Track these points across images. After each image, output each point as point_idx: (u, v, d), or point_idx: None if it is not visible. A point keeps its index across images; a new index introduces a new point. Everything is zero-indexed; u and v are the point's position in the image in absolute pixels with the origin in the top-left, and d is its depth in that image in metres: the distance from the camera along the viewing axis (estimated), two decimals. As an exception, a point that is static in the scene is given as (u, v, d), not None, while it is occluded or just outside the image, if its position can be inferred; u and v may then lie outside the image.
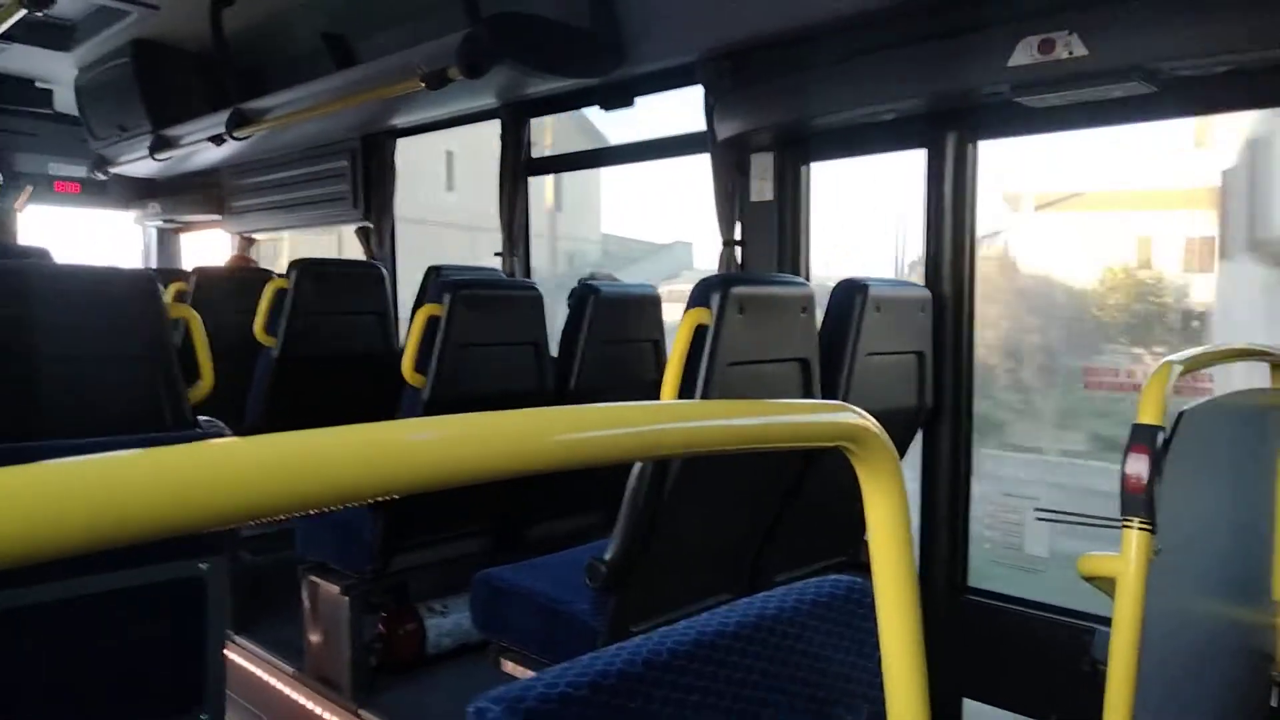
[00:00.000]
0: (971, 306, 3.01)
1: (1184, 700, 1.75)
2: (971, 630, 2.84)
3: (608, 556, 2.20)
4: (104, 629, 1.94)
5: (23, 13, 3.76)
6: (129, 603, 1.97)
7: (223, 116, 4.83)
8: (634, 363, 3.41)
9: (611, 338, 3.31)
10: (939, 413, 2.94)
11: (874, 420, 0.82)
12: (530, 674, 0.78)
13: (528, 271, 4.58)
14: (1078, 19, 2.37)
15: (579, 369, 3.23)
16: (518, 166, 4.46)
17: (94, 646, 1.93)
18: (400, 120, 4.82)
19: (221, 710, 2.14)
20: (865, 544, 2.72)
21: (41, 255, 3.35)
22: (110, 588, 1.93)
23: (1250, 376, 2.12)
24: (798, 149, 3.39)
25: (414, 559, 3.03)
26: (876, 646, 0.90)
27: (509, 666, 2.42)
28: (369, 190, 5.16)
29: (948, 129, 2.95)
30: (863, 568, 1.11)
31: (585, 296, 3.27)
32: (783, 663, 0.95)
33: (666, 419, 0.69)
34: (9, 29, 4.10)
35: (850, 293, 2.60)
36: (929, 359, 2.84)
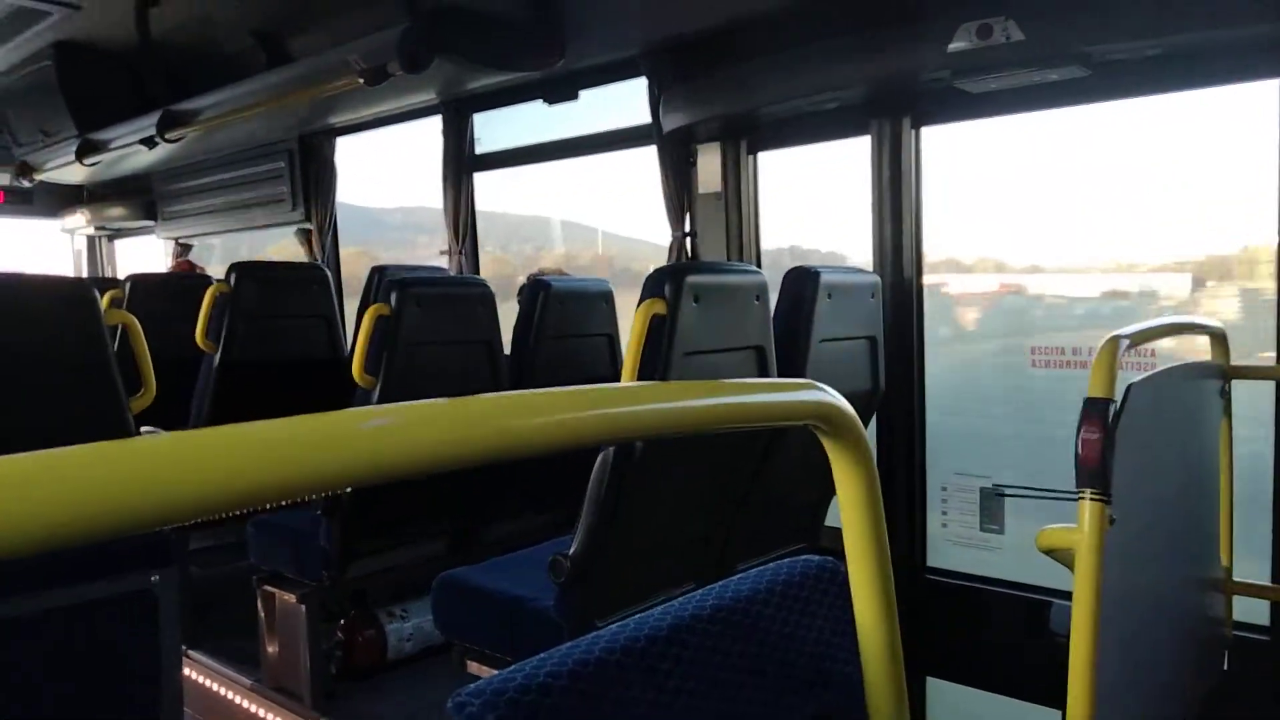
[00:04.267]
0: (920, 291, 3.05)
1: (1143, 666, 1.79)
2: (932, 609, 2.89)
3: (571, 551, 2.18)
4: (54, 647, 1.87)
5: None
6: (79, 620, 1.89)
7: (152, 119, 4.68)
8: (589, 358, 3.39)
9: (565, 333, 3.29)
10: (892, 397, 2.98)
11: (843, 399, 0.82)
12: (496, 673, 0.77)
13: (476, 269, 4.53)
14: (1015, 4, 2.41)
15: (533, 366, 3.20)
16: (460, 163, 4.40)
17: (44, 666, 1.86)
18: (338, 119, 4.73)
19: None
20: (825, 529, 2.73)
21: None
22: (59, 604, 1.85)
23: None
24: (744, 139, 3.40)
25: (371, 564, 2.98)
26: (851, 625, 0.90)
27: (474, 667, 2.39)
28: (309, 191, 5.05)
29: (890, 115, 2.99)
30: (823, 553, 1.11)
31: (536, 292, 3.24)
32: (759, 644, 0.95)
33: (639, 400, 0.68)
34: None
35: (802, 280, 2.62)
36: (880, 344, 2.87)
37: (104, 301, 2.47)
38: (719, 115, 3.15)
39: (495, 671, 0.74)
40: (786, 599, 1.01)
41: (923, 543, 3.03)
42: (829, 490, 3.15)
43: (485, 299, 3.15)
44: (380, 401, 2.80)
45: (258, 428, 0.46)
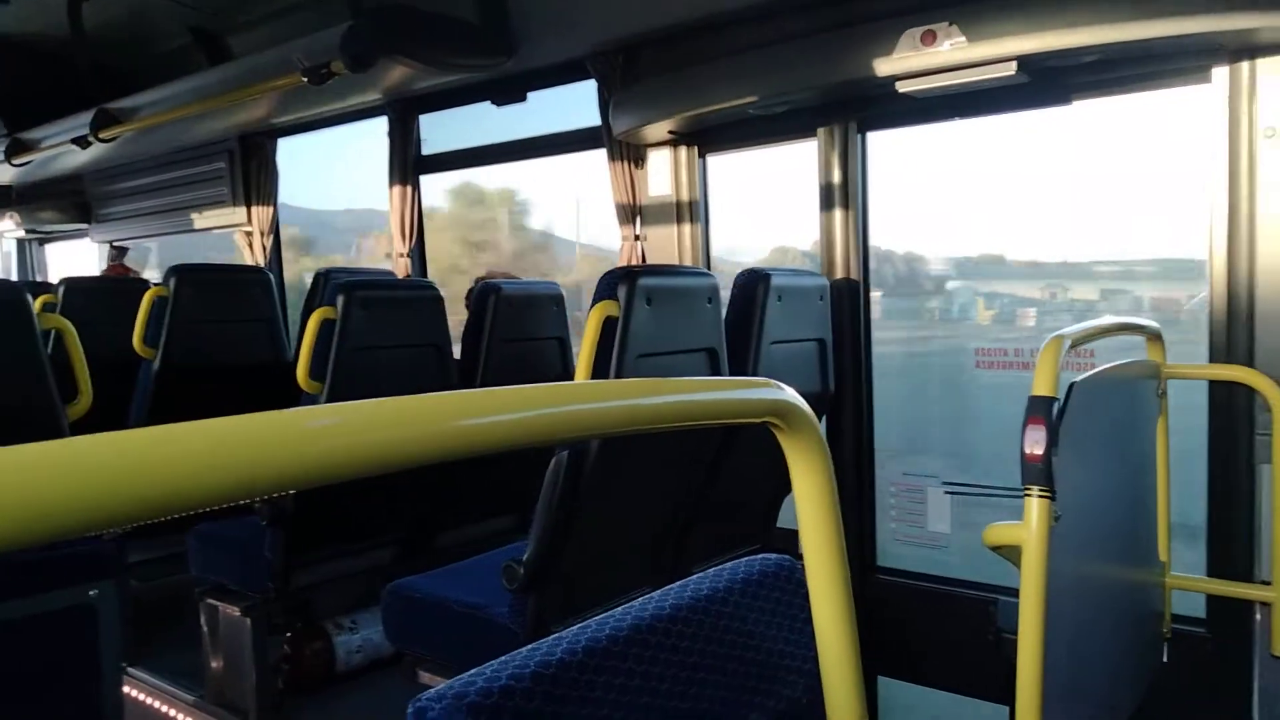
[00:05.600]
0: (866, 294, 3.09)
1: (1087, 660, 1.83)
2: (882, 609, 2.92)
3: (525, 557, 2.17)
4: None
5: None
6: (16, 635, 1.83)
7: (86, 118, 4.54)
8: (540, 361, 3.37)
9: (515, 336, 3.26)
10: (841, 398, 3.01)
11: (800, 397, 0.83)
12: (456, 678, 0.75)
13: (423, 271, 4.48)
14: (957, 11, 2.46)
15: (483, 370, 3.17)
16: (406, 164, 4.35)
17: None
18: (281, 119, 4.63)
19: None
20: (778, 531, 2.73)
21: None
22: None
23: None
24: (694, 142, 3.42)
25: (317, 574, 2.92)
26: (808, 622, 0.91)
27: (425, 678, 2.35)
28: (249, 192, 4.95)
29: (837, 120, 3.02)
30: (777, 554, 1.12)
31: (486, 295, 3.22)
32: (719, 642, 0.95)
33: (596, 398, 0.67)
34: None
35: (753, 282, 2.64)
36: (829, 346, 2.90)
37: (36, 306, 2.39)
38: (667, 118, 3.16)
39: (447, 681, 0.73)
40: (745, 597, 1.01)
41: (872, 542, 3.07)
42: (781, 491, 3.17)
43: (433, 302, 3.11)
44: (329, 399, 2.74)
45: (202, 426, 0.44)
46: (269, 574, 2.77)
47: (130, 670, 3.17)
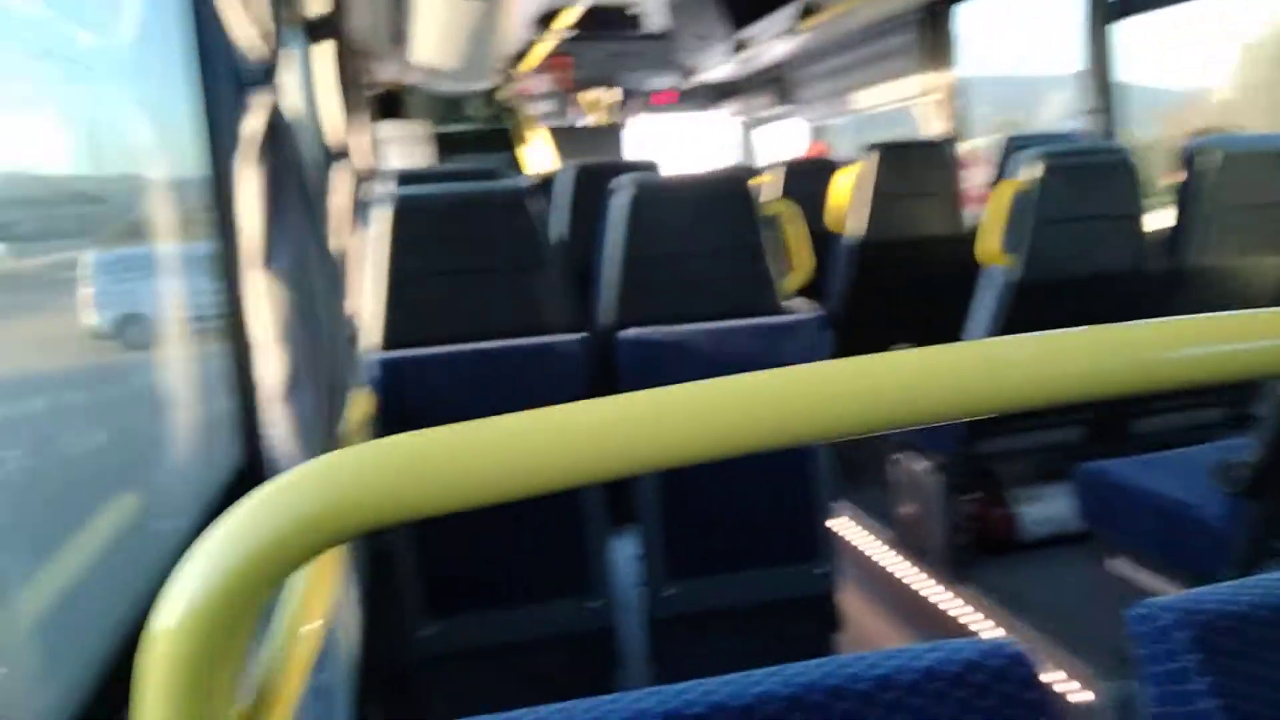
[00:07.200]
0: None
1: None
2: None
3: (1248, 458, 1.94)
4: (750, 489, 2.34)
5: None
6: (766, 468, 2.34)
7: (793, 9, 5.04)
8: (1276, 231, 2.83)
9: (1250, 202, 2.77)
10: None
11: None
12: (1142, 576, 0.73)
13: (1112, 133, 4.06)
14: None
15: (1192, 244, 2.80)
16: (1095, 10, 3.91)
17: (745, 503, 2.35)
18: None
19: (834, 564, 2.43)
20: None
21: (650, 168, 3.85)
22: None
23: None
24: None
25: (1003, 444, 3.00)
26: None
27: (1116, 565, 2.30)
28: (932, 63, 5.00)
29: None
30: None
31: (1198, 154, 2.79)
32: None
33: None
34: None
35: None
36: None
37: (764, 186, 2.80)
38: None
39: (1143, 573, 0.72)
40: None
41: None
42: None
43: (1128, 169, 2.82)
44: (1020, 281, 2.73)
45: (968, 350, 0.52)
46: (956, 438, 2.95)
47: (837, 506, 3.71)
